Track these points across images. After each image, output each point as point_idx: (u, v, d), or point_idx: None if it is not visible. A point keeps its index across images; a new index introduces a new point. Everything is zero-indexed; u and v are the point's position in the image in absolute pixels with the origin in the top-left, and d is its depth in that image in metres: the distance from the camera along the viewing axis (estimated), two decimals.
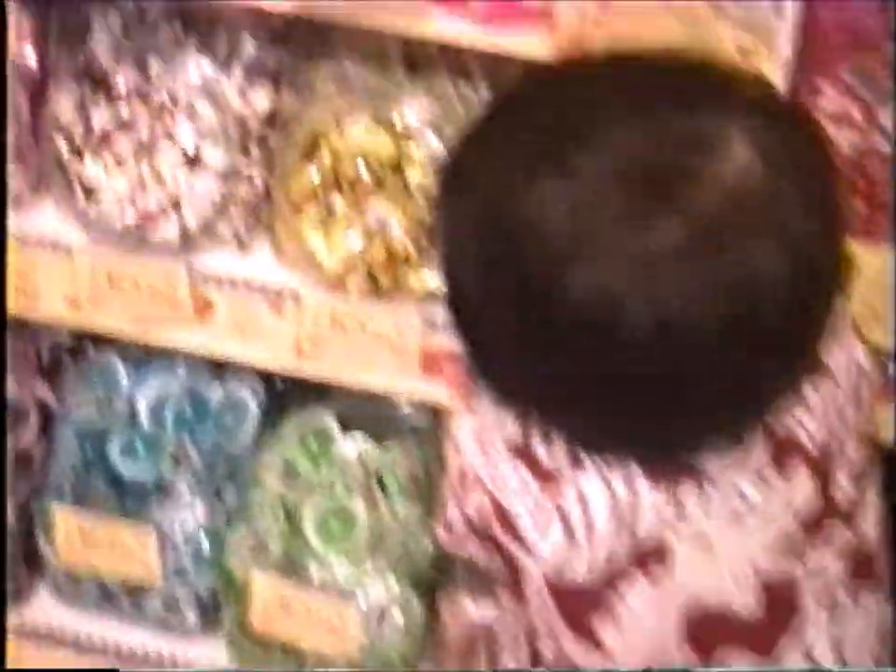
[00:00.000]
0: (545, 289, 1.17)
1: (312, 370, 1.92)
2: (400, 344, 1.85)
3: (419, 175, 1.85)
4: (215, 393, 2.07)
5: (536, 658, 1.41)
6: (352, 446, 2.05)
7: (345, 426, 2.06)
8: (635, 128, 1.17)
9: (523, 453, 1.36)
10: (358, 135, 1.85)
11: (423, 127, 1.85)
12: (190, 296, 1.89)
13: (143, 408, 2.07)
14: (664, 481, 1.30)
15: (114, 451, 2.05)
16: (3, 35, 1.42)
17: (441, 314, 1.84)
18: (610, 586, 1.32)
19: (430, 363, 1.87)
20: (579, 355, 1.18)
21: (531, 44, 1.60)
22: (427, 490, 2.02)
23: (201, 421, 2.06)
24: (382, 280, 1.86)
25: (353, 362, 1.89)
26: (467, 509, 1.38)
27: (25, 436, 2.08)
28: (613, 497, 1.30)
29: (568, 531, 1.30)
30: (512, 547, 1.33)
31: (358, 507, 2.01)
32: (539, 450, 1.35)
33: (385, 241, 1.85)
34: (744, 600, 1.33)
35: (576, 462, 1.33)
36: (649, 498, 1.30)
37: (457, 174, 1.27)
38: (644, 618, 1.33)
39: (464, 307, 1.27)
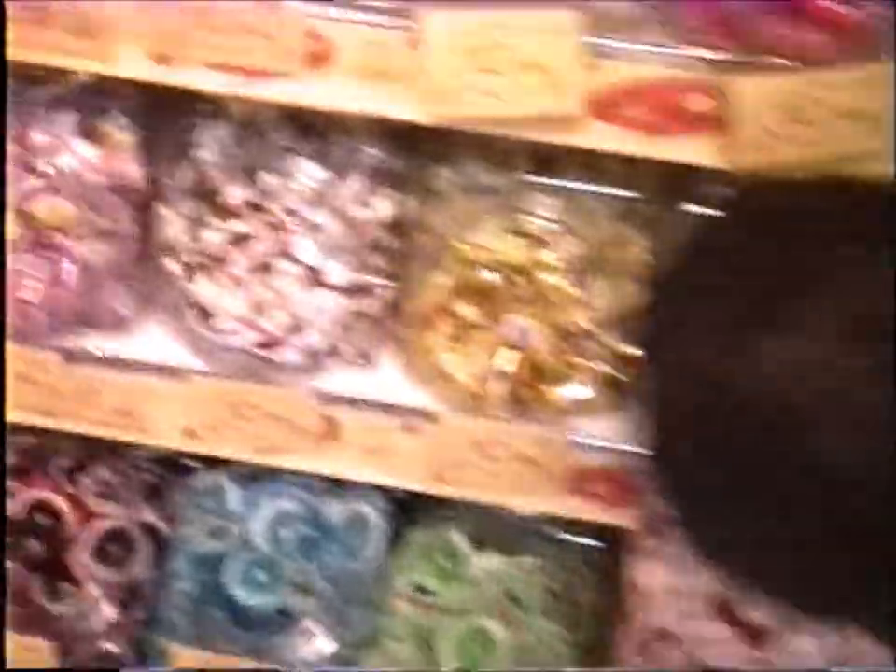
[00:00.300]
0: (778, 451, 1.06)
1: (448, 492, 1.79)
2: (546, 463, 1.73)
3: (555, 281, 1.72)
4: (336, 510, 1.95)
5: None
6: (485, 563, 1.93)
7: (477, 541, 1.94)
8: (855, 275, 1.06)
9: (725, 610, 1.25)
10: (489, 242, 1.73)
11: (555, 229, 1.73)
12: (317, 420, 1.76)
13: (259, 530, 1.94)
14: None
15: (231, 579, 1.93)
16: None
17: (586, 427, 1.74)
18: None
19: (578, 482, 1.75)
20: (810, 516, 1.07)
21: (699, 151, 1.47)
22: (567, 606, 1.90)
23: (322, 542, 1.94)
24: (522, 395, 1.73)
25: (494, 484, 1.76)
26: (662, 664, 1.28)
27: (136, 566, 1.95)
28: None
29: None
30: None
31: (496, 627, 1.89)
32: (745, 608, 1.25)
33: (525, 353, 1.72)
34: None
35: (787, 620, 1.22)
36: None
37: (663, 325, 1.16)
38: None
39: (674, 464, 1.17)
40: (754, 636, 1.27)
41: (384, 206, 1.76)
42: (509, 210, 1.74)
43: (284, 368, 1.76)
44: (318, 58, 1.47)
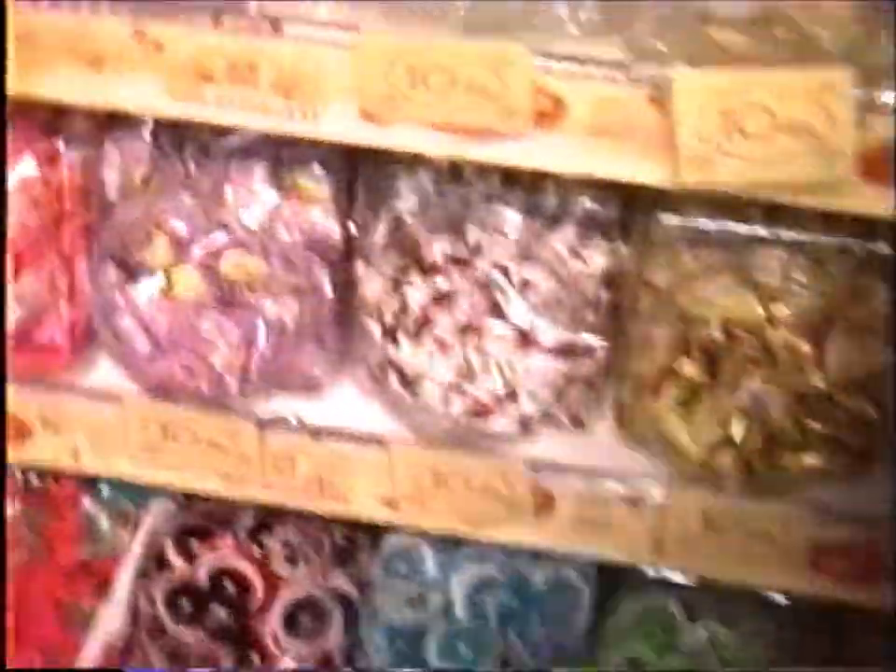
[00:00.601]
0: None
1: (674, 567, 1.66)
2: (786, 540, 1.58)
3: (790, 339, 1.57)
4: (540, 576, 1.82)
5: None
6: (702, 632, 1.79)
7: (691, 610, 1.80)
8: None
9: None
10: (717, 297, 1.58)
11: (789, 284, 1.57)
12: (530, 492, 1.63)
13: (459, 598, 1.82)
14: None
15: (431, 650, 1.81)
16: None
17: (824, 498, 1.60)
18: None
19: (815, 557, 1.60)
20: None
21: None
22: None
23: (527, 610, 1.81)
24: (755, 465, 1.59)
25: (727, 562, 1.62)
26: None
27: (329, 637, 1.84)
28: None
29: None
30: None
31: None
32: None
33: (763, 422, 1.57)
34: None
35: None
36: None
37: None
38: None
39: None
40: None
41: (597, 259, 1.62)
42: (736, 262, 1.58)
43: (493, 436, 1.63)
44: (548, 116, 1.33)
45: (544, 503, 1.65)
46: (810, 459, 1.59)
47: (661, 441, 1.61)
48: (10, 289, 1.62)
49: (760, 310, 1.58)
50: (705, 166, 1.27)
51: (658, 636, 1.79)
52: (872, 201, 1.30)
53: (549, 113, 1.33)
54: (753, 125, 1.24)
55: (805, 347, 1.58)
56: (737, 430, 1.58)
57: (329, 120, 1.38)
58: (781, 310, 1.58)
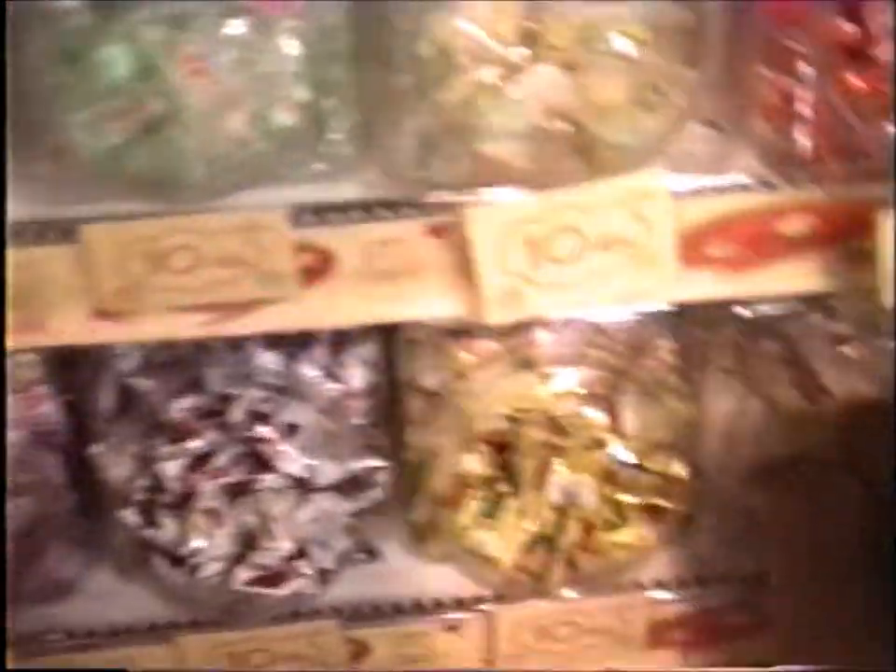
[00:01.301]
0: None
1: None
2: (623, 628, 1.47)
3: (583, 414, 1.45)
4: None
5: None
6: None
7: None
8: None
9: None
10: (494, 387, 1.44)
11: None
12: (343, 645, 1.46)
13: None
14: None
15: None
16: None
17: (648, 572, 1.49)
18: None
19: (660, 635, 1.50)
20: None
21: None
22: None
23: None
24: (580, 559, 1.46)
25: (560, 663, 1.50)
26: None
27: None
28: None
29: None
30: None
31: None
32: None
33: (575, 510, 1.45)
34: None
35: None
36: None
37: None
38: None
39: None
40: None
41: (356, 374, 1.45)
42: (512, 344, 1.44)
43: (289, 600, 1.44)
44: (315, 271, 1.14)
45: (358, 651, 1.48)
46: (629, 535, 1.47)
47: (469, 555, 1.46)
48: None
49: (543, 388, 1.44)
50: (512, 302, 1.11)
51: None
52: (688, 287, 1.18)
53: (315, 268, 1.14)
54: (562, 249, 1.09)
55: (599, 417, 1.45)
56: (549, 527, 1.45)
57: (56, 326, 1.15)
58: (564, 384, 1.45)
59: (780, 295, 1.21)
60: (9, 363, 1.27)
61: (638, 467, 1.47)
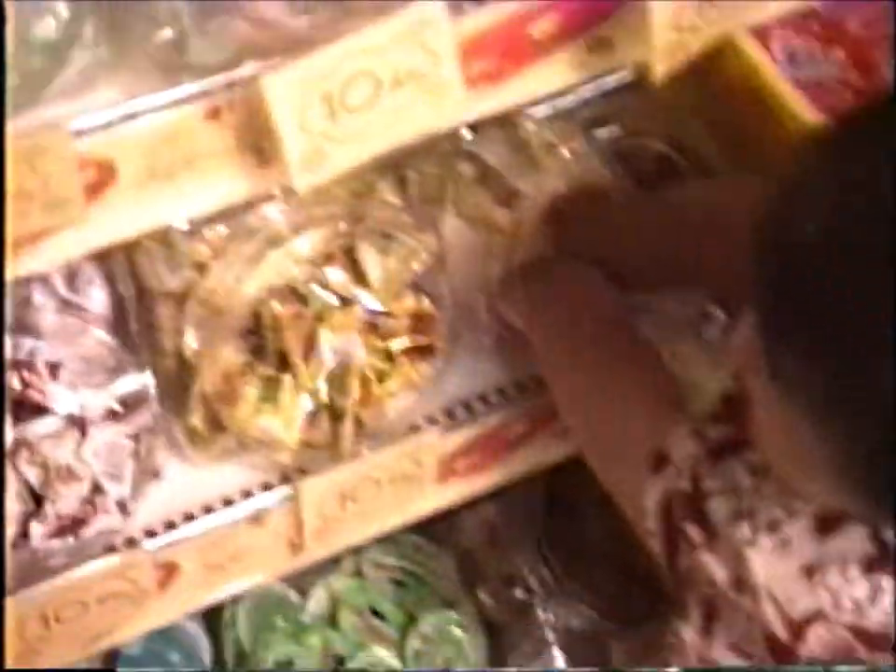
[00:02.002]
0: None
1: (319, 556, 1.51)
2: (418, 470, 1.49)
3: (324, 275, 1.44)
4: None
5: None
6: None
7: None
8: None
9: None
10: (241, 273, 1.41)
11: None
12: (153, 571, 1.41)
13: None
14: None
15: None
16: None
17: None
18: None
19: (449, 466, 1.52)
20: None
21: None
22: None
23: None
24: (364, 416, 1.46)
25: (371, 522, 1.50)
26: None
27: None
28: None
29: None
30: None
31: None
32: None
33: (349, 370, 1.44)
34: None
35: None
36: None
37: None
38: None
39: None
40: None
41: (97, 294, 1.38)
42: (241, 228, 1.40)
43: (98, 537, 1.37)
44: (96, 185, 1.08)
45: (168, 574, 1.42)
46: (401, 379, 1.48)
47: (256, 445, 1.43)
48: None
49: (282, 261, 1.42)
50: (317, 162, 1.08)
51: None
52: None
53: (97, 183, 1.07)
54: (357, 97, 1.07)
55: (339, 276, 1.45)
56: (324, 391, 1.44)
57: None
58: (299, 246, 1.43)
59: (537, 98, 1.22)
60: None
61: (389, 313, 1.47)
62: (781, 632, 1.04)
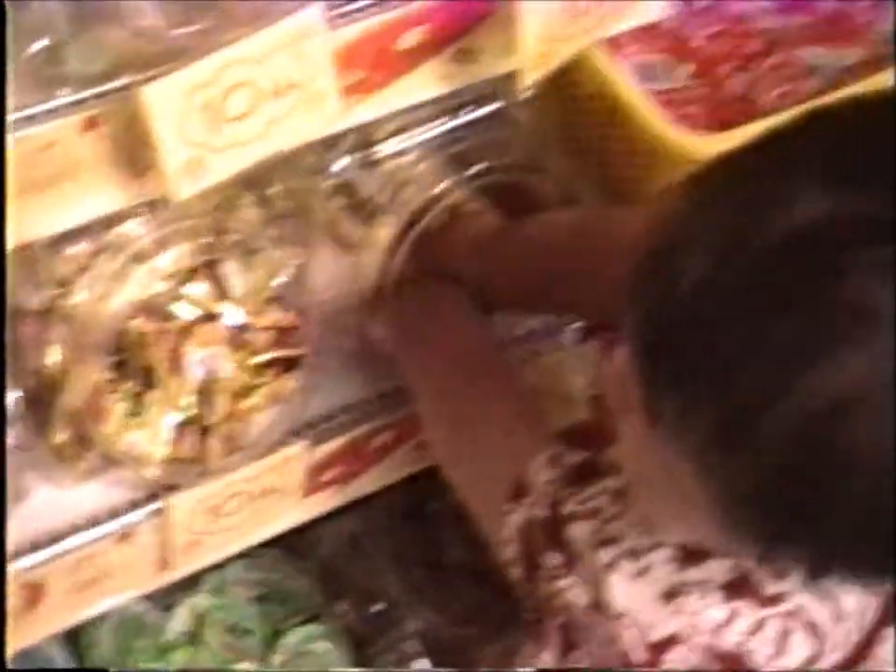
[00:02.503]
0: None
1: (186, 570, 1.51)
2: (284, 481, 1.50)
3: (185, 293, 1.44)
4: None
5: None
6: None
7: None
8: None
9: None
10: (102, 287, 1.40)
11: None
12: (20, 590, 1.39)
13: None
14: None
15: None
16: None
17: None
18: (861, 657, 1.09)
19: (315, 479, 1.53)
20: None
21: None
22: None
23: None
24: (234, 432, 1.46)
25: (234, 535, 1.50)
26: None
27: None
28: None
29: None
30: None
31: None
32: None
33: (217, 385, 1.45)
34: None
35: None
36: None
37: None
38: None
39: None
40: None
41: None
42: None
43: None
44: None
45: (35, 594, 1.41)
46: (268, 392, 1.48)
47: (124, 461, 1.42)
48: None
49: (145, 277, 1.41)
50: (197, 172, 1.09)
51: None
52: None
53: None
54: (237, 106, 1.08)
55: (203, 291, 1.45)
56: (192, 406, 1.44)
57: None
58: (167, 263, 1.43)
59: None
60: None
61: (254, 327, 1.48)
62: (640, 655, 1.05)
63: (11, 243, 1.09)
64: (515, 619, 1.58)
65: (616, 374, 0.98)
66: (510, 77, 1.24)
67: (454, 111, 1.43)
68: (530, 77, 1.19)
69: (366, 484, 1.58)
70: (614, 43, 1.45)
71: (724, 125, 1.42)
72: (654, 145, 1.39)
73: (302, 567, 1.79)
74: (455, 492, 1.31)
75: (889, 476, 0.83)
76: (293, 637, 1.73)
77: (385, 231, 1.54)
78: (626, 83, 1.42)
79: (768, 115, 1.40)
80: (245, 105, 1.08)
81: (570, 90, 1.45)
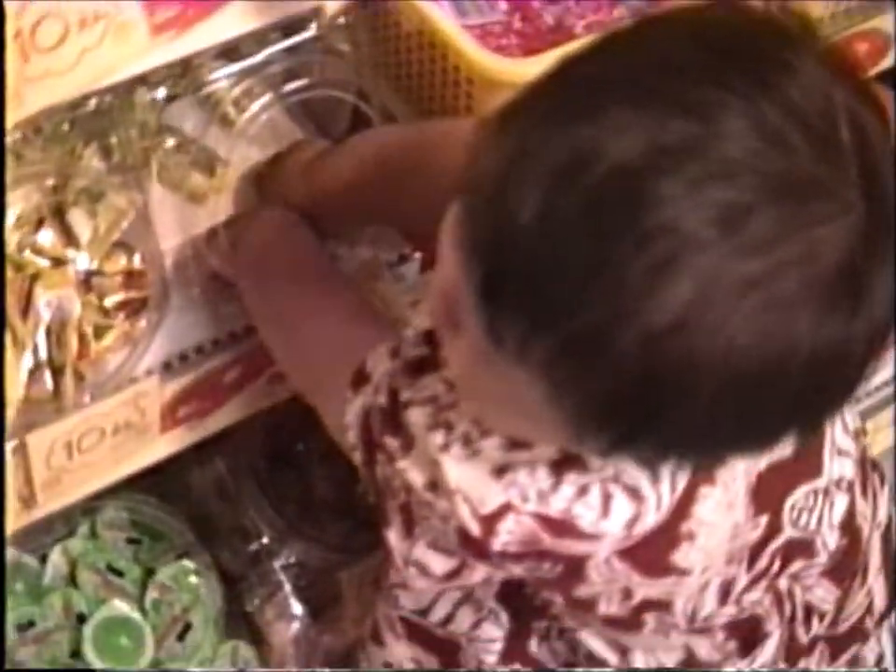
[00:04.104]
0: None
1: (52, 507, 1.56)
2: (139, 419, 1.56)
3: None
4: None
5: None
6: None
7: None
8: None
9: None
10: None
11: None
12: None
13: None
14: None
15: None
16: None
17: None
18: (680, 516, 1.16)
19: (171, 415, 1.60)
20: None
21: None
22: None
23: None
24: (86, 371, 1.52)
25: (106, 466, 1.56)
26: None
27: None
28: None
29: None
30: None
31: None
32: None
33: (66, 325, 1.50)
34: None
35: None
36: None
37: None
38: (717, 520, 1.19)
39: None
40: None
41: None
42: None
43: None
44: None
45: None
46: (118, 333, 1.54)
47: None
48: None
49: None
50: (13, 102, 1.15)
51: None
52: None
53: None
54: (49, 36, 1.15)
55: (50, 238, 1.51)
56: (42, 348, 1.50)
57: None
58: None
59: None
60: None
61: (102, 272, 1.54)
62: (475, 528, 1.12)
63: None
64: (376, 544, 1.66)
65: (442, 292, 1.03)
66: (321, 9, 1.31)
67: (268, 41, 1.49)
68: (332, 8, 1.26)
69: (222, 419, 1.64)
70: None
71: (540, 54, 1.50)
72: (471, 74, 1.46)
73: (174, 511, 1.85)
74: (306, 398, 1.37)
75: (723, 383, 0.91)
76: (165, 574, 1.79)
77: (227, 181, 1.62)
78: (443, 18, 1.49)
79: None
80: (55, 35, 1.14)
81: (386, 23, 1.53)
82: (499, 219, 0.94)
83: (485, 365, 1.01)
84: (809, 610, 1.35)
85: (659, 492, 1.12)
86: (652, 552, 1.15)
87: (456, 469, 1.12)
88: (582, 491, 1.11)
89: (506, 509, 1.11)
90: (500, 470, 1.11)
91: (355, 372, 1.25)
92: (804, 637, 1.36)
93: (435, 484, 1.14)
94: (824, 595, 1.35)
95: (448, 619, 1.35)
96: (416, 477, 1.15)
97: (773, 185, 0.88)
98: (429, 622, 1.35)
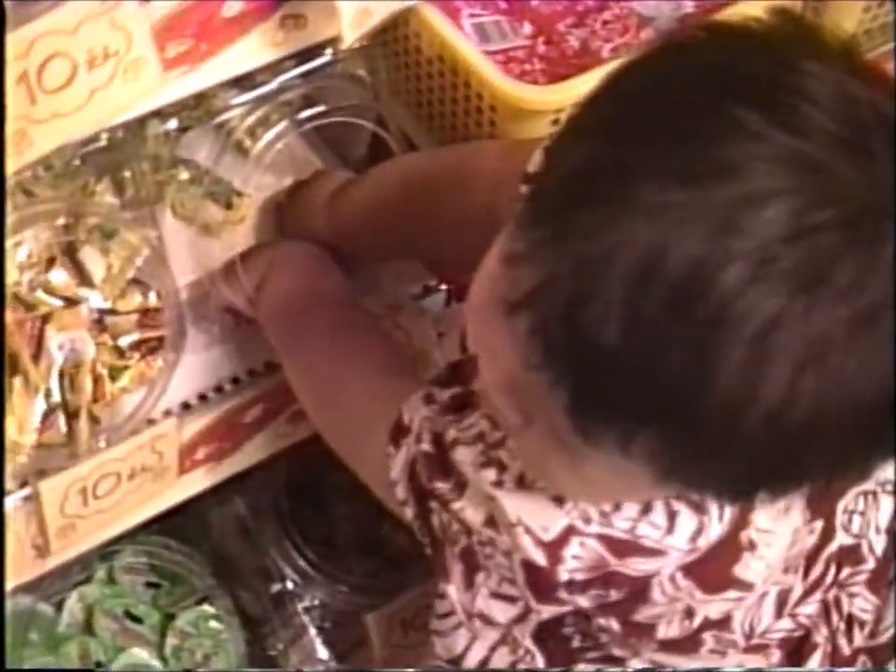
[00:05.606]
0: None
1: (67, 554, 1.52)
2: (157, 462, 1.51)
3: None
4: None
5: None
6: None
7: None
8: None
9: None
10: None
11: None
12: None
13: None
14: None
15: None
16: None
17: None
18: (740, 525, 1.12)
19: (188, 457, 1.55)
20: None
21: None
22: None
23: None
24: (101, 414, 1.48)
25: (116, 517, 1.51)
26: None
27: None
28: None
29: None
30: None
31: None
32: None
33: (81, 369, 1.46)
34: None
35: None
36: None
37: None
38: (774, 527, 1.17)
39: None
40: None
41: None
42: None
43: None
44: None
45: None
46: (134, 374, 1.50)
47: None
48: None
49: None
50: (22, 145, 1.11)
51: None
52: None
53: None
54: (56, 76, 1.10)
55: (62, 278, 1.47)
56: (55, 391, 1.45)
57: None
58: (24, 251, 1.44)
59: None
60: None
61: (116, 310, 1.49)
62: (540, 558, 1.08)
63: None
64: (403, 586, 1.61)
65: (506, 389, 0.98)
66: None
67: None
68: (351, 37, 1.21)
69: (242, 460, 1.59)
70: (451, 6, 1.48)
71: (565, 80, 1.45)
72: (495, 101, 1.41)
73: (194, 553, 1.80)
74: (338, 455, 1.34)
75: (847, 426, 0.88)
76: (185, 620, 1.74)
77: (244, 212, 1.57)
78: (466, 45, 1.44)
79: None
80: (62, 75, 1.09)
81: (405, 48, 1.48)
82: (582, 335, 0.87)
83: (570, 452, 0.96)
84: (850, 620, 1.30)
85: (721, 503, 1.08)
86: (716, 565, 1.11)
87: (513, 502, 1.09)
88: (646, 509, 1.07)
89: (569, 532, 1.08)
90: (559, 498, 1.08)
91: (392, 427, 1.21)
92: (846, 649, 1.30)
93: (493, 521, 1.10)
94: (864, 603, 1.30)
95: (484, 662, 1.31)
96: (474, 516, 1.12)
97: (830, 235, 0.84)
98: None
